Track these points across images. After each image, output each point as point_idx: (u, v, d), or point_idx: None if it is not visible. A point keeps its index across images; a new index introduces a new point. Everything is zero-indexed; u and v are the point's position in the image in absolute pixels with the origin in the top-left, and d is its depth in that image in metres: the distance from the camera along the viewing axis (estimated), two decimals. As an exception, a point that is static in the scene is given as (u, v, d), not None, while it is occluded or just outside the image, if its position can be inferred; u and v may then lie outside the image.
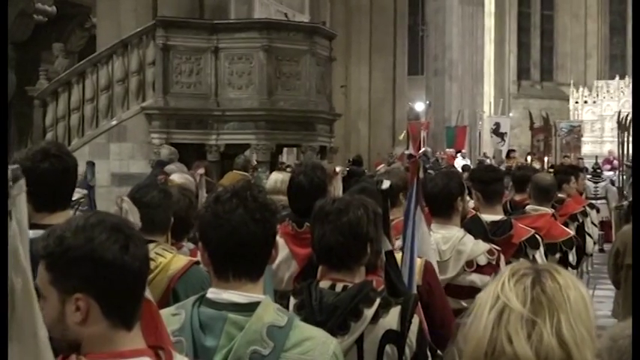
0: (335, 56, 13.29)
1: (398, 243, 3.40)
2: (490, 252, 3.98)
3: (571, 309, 1.48)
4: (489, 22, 33.39)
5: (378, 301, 2.59)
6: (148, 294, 1.93)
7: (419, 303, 2.74)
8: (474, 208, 4.71)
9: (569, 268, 5.21)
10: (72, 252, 1.66)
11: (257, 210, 2.15)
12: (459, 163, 20.93)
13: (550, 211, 5.48)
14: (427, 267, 3.41)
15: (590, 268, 8.86)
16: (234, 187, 2.24)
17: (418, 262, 3.45)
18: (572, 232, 5.48)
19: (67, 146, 3.03)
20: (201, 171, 4.84)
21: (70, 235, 1.68)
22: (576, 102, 34.26)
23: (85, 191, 6.32)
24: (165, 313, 2.17)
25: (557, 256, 5.24)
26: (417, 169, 3.25)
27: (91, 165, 2.95)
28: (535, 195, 5.39)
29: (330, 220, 2.67)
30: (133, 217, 2.34)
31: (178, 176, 5.60)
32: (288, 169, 14.95)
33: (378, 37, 22.57)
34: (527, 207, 5.27)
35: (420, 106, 30.56)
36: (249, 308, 2.10)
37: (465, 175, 11.27)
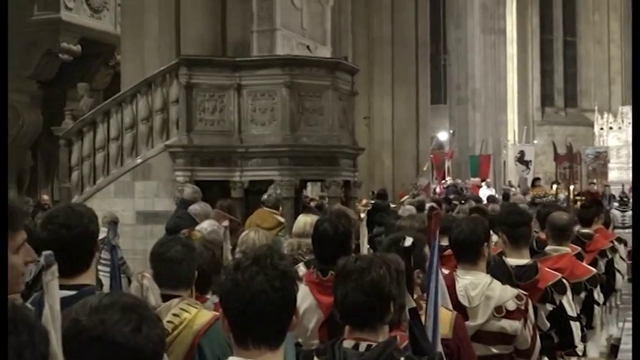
0: (357, 90, 13.32)
1: None
2: (518, 297, 3.95)
3: None
4: (512, 49, 33.42)
5: (402, 361, 2.56)
6: None
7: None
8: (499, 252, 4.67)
9: (596, 306, 5.13)
10: (85, 334, 1.66)
11: (277, 278, 2.13)
12: (484, 192, 20.85)
13: (570, 250, 5.40)
14: (457, 321, 3.39)
15: (619, 302, 8.73)
16: (255, 253, 2.22)
17: (449, 316, 3.43)
18: (594, 270, 5.39)
19: (86, 208, 3.04)
20: (225, 223, 4.84)
21: (84, 317, 1.68)
22: (601, 128, 34.04)
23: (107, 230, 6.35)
24: None
25: (583, 295, 5.16)
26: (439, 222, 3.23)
27: (113, 225, 2.97)
28: (553, 235, 5.31)
29: (353, 280, 2.65)
30: (154, 294, 2.34)
31: (208, 224, 5.62)
32: (312, 203, 14.98)
33: (400, 68, 22.61)
34: (547, 248, 5.15)
35: (443, 136, 30.53)
36: None
37: (492, 207, 11.28)
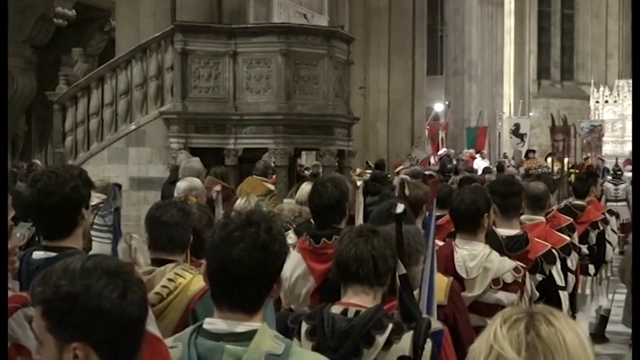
0: (353, 60, 13.27)
1: None
2: (516, 270, 3.95)
3: (568, 353, 1.41)
4: (509, 21, 33.27)
5: (390, 326, 2.58)
6: (156, 331, 1.93)
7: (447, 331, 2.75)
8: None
9: (569, 273, 5.14)
10: (69, 301, 1.63)
11: (259, 249, 2.10)
12: (479, 164, 20.87)
13: (544, 219, 5.41)
14: (453, 287, 3.41)
15: (609, 274, 8.79)
16: (247, 216, 2.18)
17: (444, 282, 3.44)
18: (568, 239, 5.40)
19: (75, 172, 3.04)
20: (218, 188, 4.84)
21: (67, 282, 1.64)
22: (597, 101, 34.02)
23: (103, 196, 6.34)
24: None
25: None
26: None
27: (114, 188, 2.98)
28: (528, 204, 5.30)
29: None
30: (142, 255, 2.33)
31: (183, 188, 5.61)
32: (307, 173, 14.99)
33: (396, 38, 22.48)
34: (522, 217, 5.13)
35: (439, 107, 30.48)
36: (247, 337, 2.07)
37: (487, 177, 11.29)
